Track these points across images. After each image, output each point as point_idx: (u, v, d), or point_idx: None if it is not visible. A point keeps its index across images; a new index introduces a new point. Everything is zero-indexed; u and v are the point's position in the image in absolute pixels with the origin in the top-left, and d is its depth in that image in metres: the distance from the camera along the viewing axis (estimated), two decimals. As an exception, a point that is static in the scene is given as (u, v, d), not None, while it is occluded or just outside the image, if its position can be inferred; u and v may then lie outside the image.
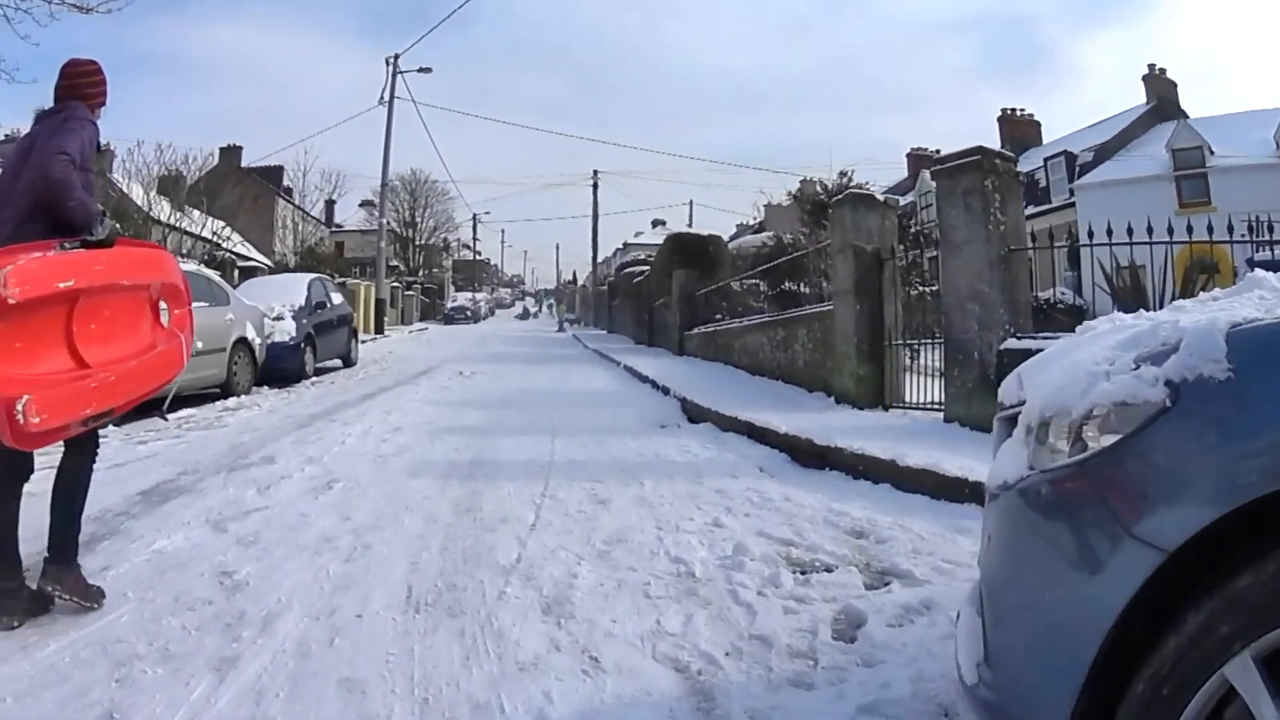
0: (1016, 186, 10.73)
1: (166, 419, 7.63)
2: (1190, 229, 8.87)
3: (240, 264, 40.28)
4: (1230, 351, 2.27)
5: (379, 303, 47.31)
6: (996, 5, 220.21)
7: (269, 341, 19.15)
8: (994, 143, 24.32)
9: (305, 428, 12.29)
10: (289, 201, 69.87)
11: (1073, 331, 10.19)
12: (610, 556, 6.04)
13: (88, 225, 5.14)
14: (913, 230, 22.14)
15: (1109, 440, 2.54)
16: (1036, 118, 56.00)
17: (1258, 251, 13.04)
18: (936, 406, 11.05)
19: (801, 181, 45.45)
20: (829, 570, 5.74)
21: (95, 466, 5.46)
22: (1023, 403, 3.18)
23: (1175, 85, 48.08)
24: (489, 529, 6.77)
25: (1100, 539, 2.47)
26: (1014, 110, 55.56)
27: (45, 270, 4.84)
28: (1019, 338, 9.73)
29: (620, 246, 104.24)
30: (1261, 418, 2.13)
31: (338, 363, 24.55)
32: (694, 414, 13.37)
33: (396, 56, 47.58)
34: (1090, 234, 9.32)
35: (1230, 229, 8.77)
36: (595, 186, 75.55)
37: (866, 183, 28.08)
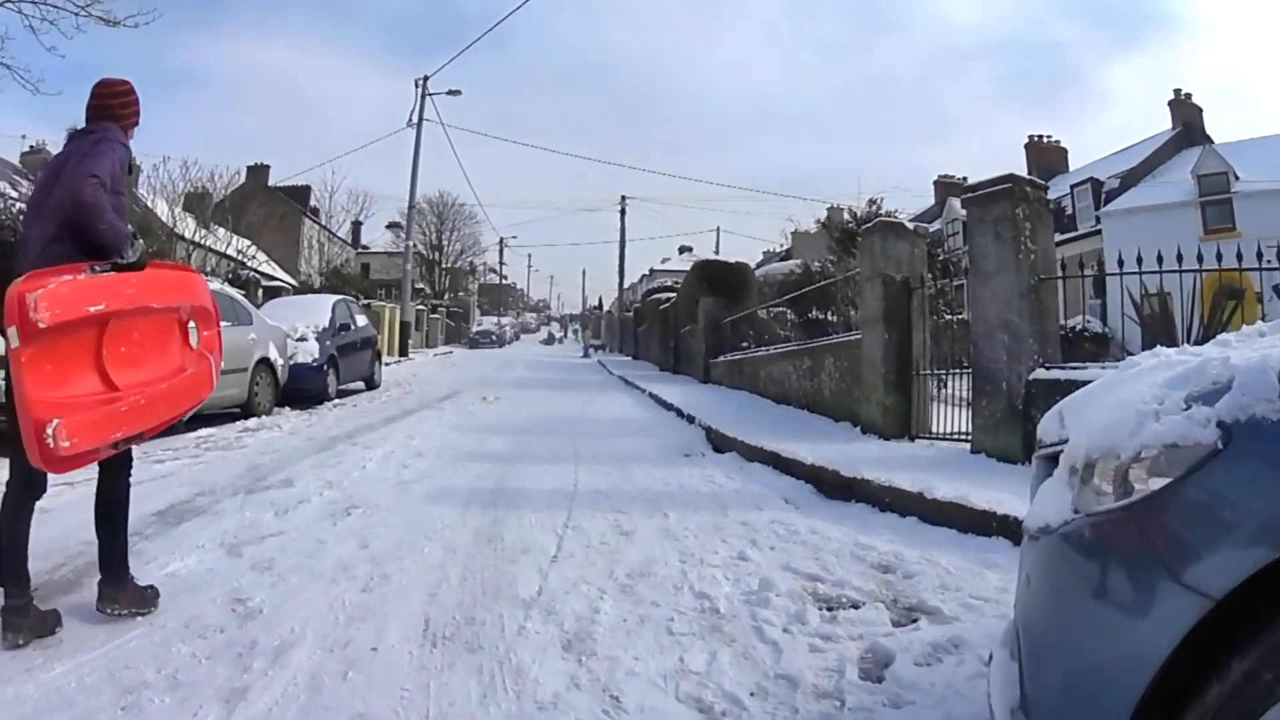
0: (1047, 215, 10.59)
1: (184, 420, 7.62)
2: (1219, 256, 8.76)
3: (265, 283, 40.15)
4: (1284, 391, 2.19)
5: (404, 325, 47.29)
6: (1023, 31, 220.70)
7: (292, 362, 19.14)
8: (1020, 169, 24.37)
9: (326, 450, 12.21)
10: (315, 221, 70.03)
11: (1098, 360, 10.08)
12: (633, 590, 5.91)
13: (118, 248, 5.16)
14: (940, 259, 22.01)
15: (1158, 483, 2.45)
16: (1063, 144, 55.85)
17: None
18: (963, 437, 10.92)
19: (829, 209, 45.36)
20: (856, 606, 5.61)
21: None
22: (1064, 441, 3.10)
23: (1200, 110, 47.78)
24: (510, 560, 6.65)
25: (1146, 586, 2.38)
26: (1041, 137, 55.48)
27: (75, 294, 4.85)
28: (1048, 368, 9.62)
29: (646, 273, 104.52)
30: (1316, 460, 2.04)
31: (361, 385, 24.52)
32: (719, 443, 13.23)
33: (426, 78, 47.92)
34: (1120, 262, 9.19)
35: (1259, 255, 8.62)
36: (623, 212, 75.47)
37: (895, 210, 28.01)
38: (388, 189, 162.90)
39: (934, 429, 11.83)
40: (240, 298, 18.65)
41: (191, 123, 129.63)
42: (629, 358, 53.59)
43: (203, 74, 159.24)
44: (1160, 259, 8.95)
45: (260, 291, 35.43)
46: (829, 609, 5.55)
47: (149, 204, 33.59)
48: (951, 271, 17.17)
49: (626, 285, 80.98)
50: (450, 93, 48.73)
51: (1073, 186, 46.00)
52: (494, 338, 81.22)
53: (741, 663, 4.67)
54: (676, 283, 46.69)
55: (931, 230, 29.74)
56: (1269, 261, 8.91)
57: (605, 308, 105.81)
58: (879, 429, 12.14)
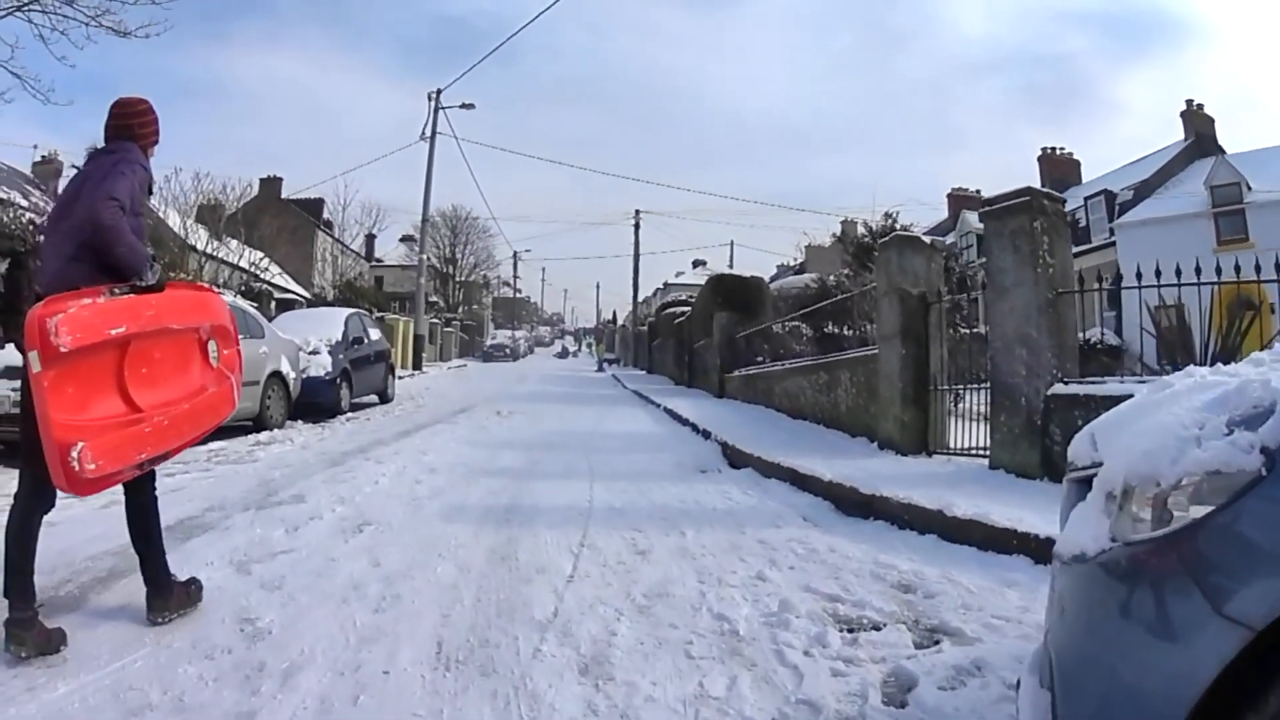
0: (1064, 228, 10.55)
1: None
2: (1238, 269, 8.68)
3: (278, 296, 40.28)
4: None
5: (417, 338, 47.42)
6: (1034, 44, 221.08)
7: (304, 375, 19.12)
8: (1034, 182, 24.24)
9: (338, 465, 12.13)
10: (328, 234, 70.19)
11: (1114, 373, 9.98)
12: (651, 612, 5.80)
13: (137, 270, 5.19)
14: (956, 273, 21.91)
15: (1199, 512, 2.41)
16: (1076, 156, 55.74)
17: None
18: (981, 452, 10.84)
19: (843, 222, 45.28)
20: (877, 628, 5.50)
21: (120, 501, 5.45)
22: (1097, 465, 3.04)
23: (1213, 120, 47.69)
24: (525, 579, 6.54)
25: (1185, 617, 2.32)
26: (1054, 149, 55.38)
27: (96, 317, 4.88)
28: (1066, 382, 9.56)
29: (660, 286, 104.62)
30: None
31: (374, 399, 24.50)
32: (735, 459, 13.14)
33: (439, 92, 47.94)
34: (1139, 275, 9.10)
35: (1278, 266, 8.55)
36: (637, 226, 75.75)
37: (911, 224, 27.93)
38: (401, 202, 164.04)
39: (951, 444, 11.74)
40: (252, 310, 18.66)
41: (204, 135, 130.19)
42: (643, 371, 53.67)
43: (216, 86, 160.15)
44: (1179, 272, 8.91)
45: (273, 304, 35.53)
46: (850, 631, 5.44)
47: (161, 215, 33.65)
48: (969, 285, 17.06)
49: (640, 299, 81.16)
50: (463, 106, 48.83)
51: (1086, 198, 45.83)
52: (508, 351, 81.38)
53: (762, 687, 4.56)
54: (691, 296, 46.76)
55: (946, 243, 29.64)
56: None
57: (619, 321, 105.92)
58: (896, 444, 12.06)
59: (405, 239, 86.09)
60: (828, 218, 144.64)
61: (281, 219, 52.08)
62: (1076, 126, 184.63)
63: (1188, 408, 2.76)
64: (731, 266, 68.62)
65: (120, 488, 5.47)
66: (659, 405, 24.47)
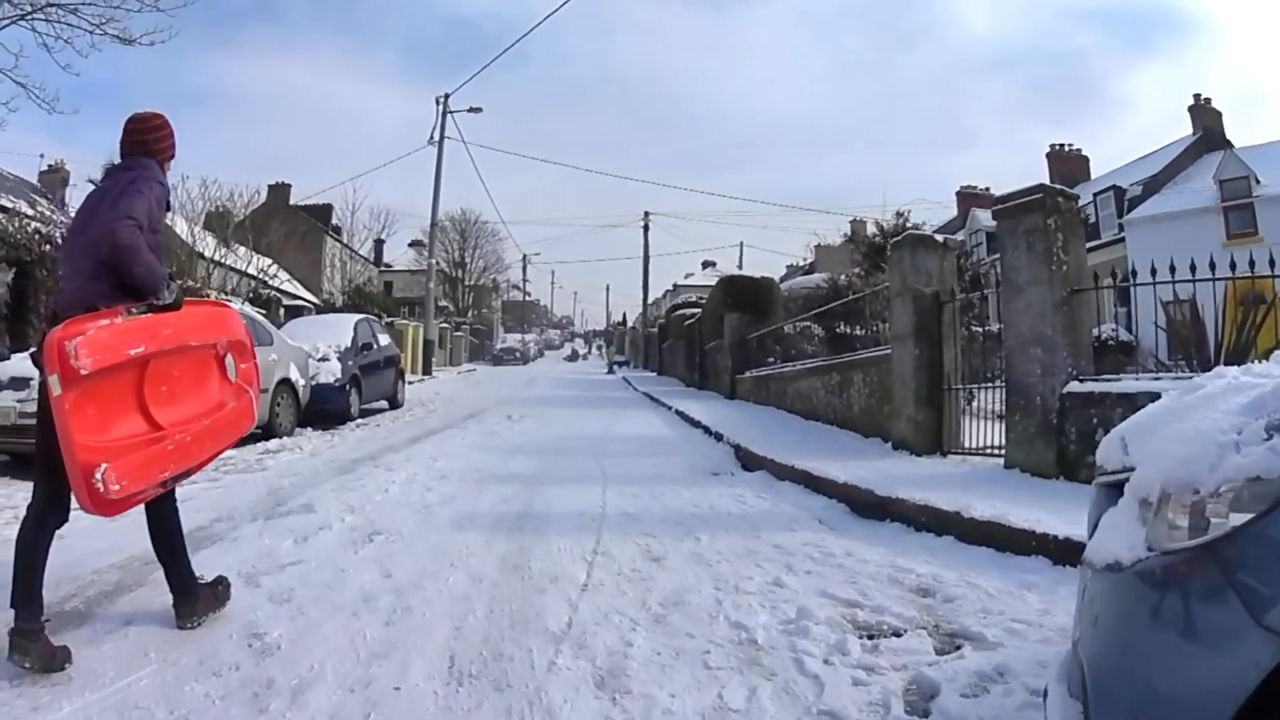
0: (1078, 225, 10.55)
1: None
2: (1252, 263, 8.71)
3: (287, 302, 40.26)
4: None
5: (427, 343, 47.48)
6: (1041, 40, 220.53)
7: (313, 382, 19.04)
8: (1043, 179, 23.90)
9: (348, 473, 12.04)
10: (337, 240, 70.31)
11: (1125, 369, 9.91)
12: (667, 621, 5.70)
13: (154, 289, 5.20)
14: (969, 272, 21.85)
15: (1239, 519, 2.35)
16: (1084, 152, 55.61)
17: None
18: (995, 452, 10.85)
19: (852, 222, 45.30)
20: (897, 635, 5.43)
21: (126, 513, 5.31)
22: (1128, 469, 2.98)
23: (1220, 115, 47.65)
24: (538, 589, 6.43)
25: (1225, 628, 2.26)
26: (1062, 146, 55.18)
27: (115, 339, 4.90)
28: (1081, 380, 9.52)
29: (670, 288, 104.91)
30: None
31: (384, 404, 24.45)
32: (748, 461, 13.10)
33: (447, 96, 47.85)
34: (1153, 271, 9.12)
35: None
36: (646, 228, 75.75)
37: (923, 223, 27.89)
38: (410, 207, 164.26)
39: (966, 444, 11.73)
40: (260, 317, 18.63)
41: (211, 141, 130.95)
42: (654, 374, 53.82)
43: (224, 93, 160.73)
44: (1194, 268, 8.87)
45: (282, 311, 35.51)
46: (870, 638, 5.37)
47: (169, 222, 33.64)
48: (981, 284, 16.98)
49: (650, 301, 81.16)
50: (471, 110, 48.72)
51: (1095, 195, 45.66)
52: (518, 355, 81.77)
53: (782, 698, 4.48)
54: (701, 298, 46.80)
55: (958, 241, 29.68)
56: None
57: (629, 324, 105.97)
58: (910, 445, 12.05)
59: (414, 244, 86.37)
60: (837, 218, 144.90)
61: (290, 225, 52.17)
62: (1084, 123, 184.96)
63: (1224, 411, 2.70)
64: (741, 267, 68.82)
65: (134, 512, 5.41)
66: (670, 407, 24.44)
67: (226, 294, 29.67)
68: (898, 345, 12.80)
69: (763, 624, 5.59)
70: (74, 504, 4.91)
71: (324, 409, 19.31)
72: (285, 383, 17.26)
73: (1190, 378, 8.81)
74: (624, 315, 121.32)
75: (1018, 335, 10.16)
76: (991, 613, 5.76)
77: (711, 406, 23.04)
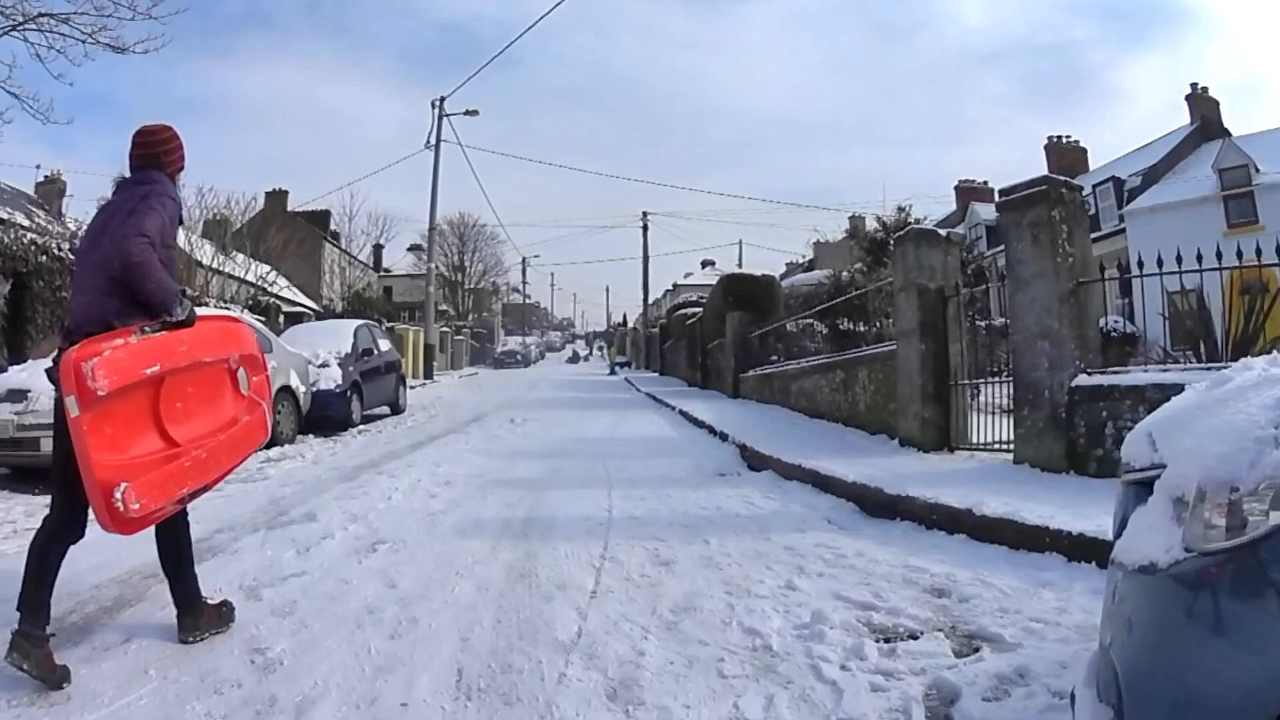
0: (1083, 216, 10.49)
1: None
2: (1259, 251, 8.75)
3: (286, 309, 40.19)
4: None
5: (428, 348, 47.50)
6: (1036, 33, 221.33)
7: (314, 389, 18.95)
8: (1041, 171, 23.91)
9: (350, 481, 11.95)
10: (336, 246, 70.42)
11: (1128, 360, 9.92)
12: (679, 628, 5.59)
13: (167, 307, 5.22)
14: (972, 266, 21.78)
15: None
16: (1082, 144, 55.78)
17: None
18: (1003, 447, 10.79)
19: (851, 218, 45.27)
20: (914, 637, 5.35)
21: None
22: (1157, 466, 2.89)
23: (1218, 104, 48.02)
24: (546, 597, 6.32)
25: (1267, 630, 2.21)
26: (1060, 138, 55.41)
27: (130, 359, 4.94)
28: (1089, 373, 9.48)
29: (670, 288, 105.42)
30: None
31: (385, 410, 24.39)
32: (754, 461, 13.01)
33: (442, 99, 47.86)
34: (1159, 262, 9.10)
35: (1286, 247, 8.50)
36: (645, 228, 75.80)
37: (924, 217, 27.83)
38: (408, 211, 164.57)
39: (973, 440, 11.65)
40: (259, 325, 18.50)
41: (208, 149, 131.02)
42: (656, 374, 53.87)
43: (218, 100, 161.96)
44: (1200, 257, 8.85)
45: (281, 317, 35.43)
46: (886, 641, 5.29)
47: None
48: (986, 277, 16.90)
49: (650, 301, 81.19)
50: (467, 113, 48.61)
51: (1095, 186, 45.67)
52: (519, 358, 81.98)
53: (800, 707, 4.39)
54: (701, 297, 46.84)
55: (960, 235, 29.68)
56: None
57: (630, 324, 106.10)
58: (917, 442, 11.97)
59: (413, 248, 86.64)
60: (836, 214, 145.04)
61: (288, 231, 52.04)
62: (1081, 115, 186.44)
63: (1259, 405, 2.63)
64: (740, 265, 68.88)
65: None
66: (674, 408, 24.35)
67: (226, 302, 29.62)
68: (903, 341, 12.72)
69: (777, 629, 5.50)
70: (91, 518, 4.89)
71: (325, 416, 19.24)
72: (286, 390, 17.16)
73: (1204, 369, 8.81)
74: (624, 316, 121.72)
75: (1024, 329, 10.09)
76: (1008, 612, 5.68)
77: (715, 406, 22.97)
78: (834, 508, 9.34)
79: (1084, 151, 55.10)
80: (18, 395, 11.68)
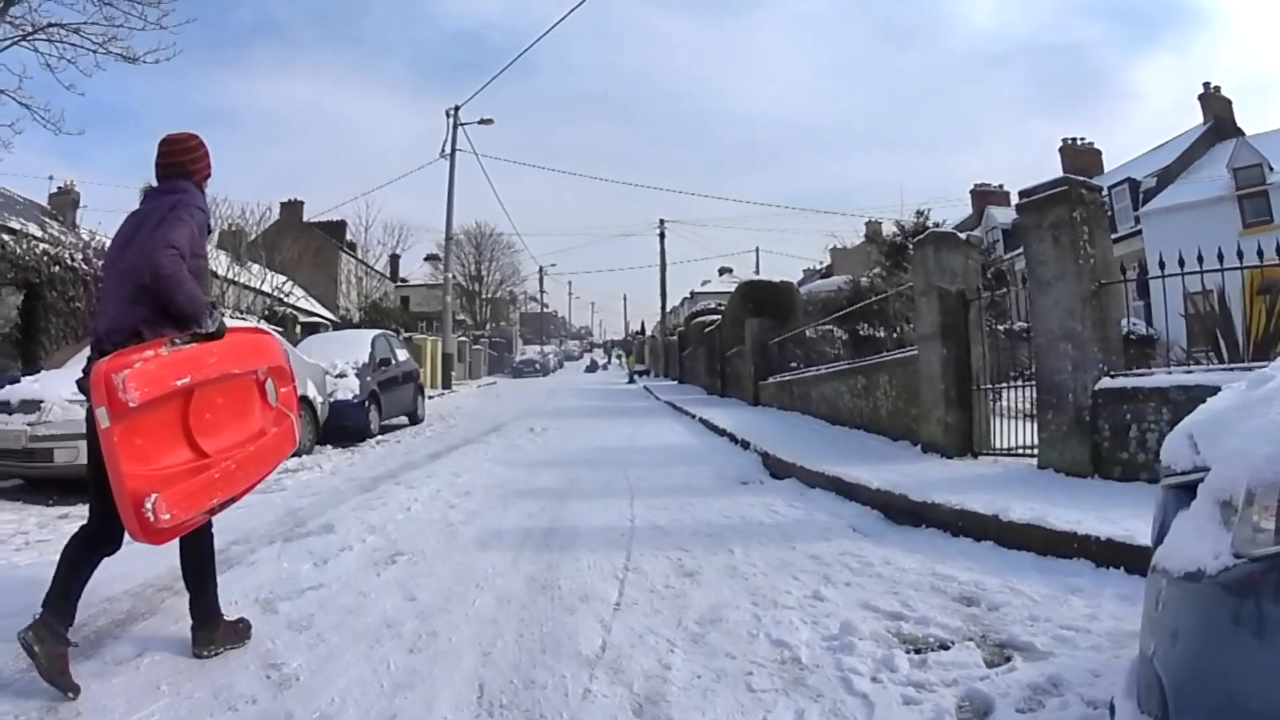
0: (1103, 217, 10.41)
1: None
2: (1279, 250, 8.61)
3: (303, 319, 40.20)
4: None
5: (446, 357, 47.45)
6: (1045, 34, 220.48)
7: (332, 399, 18.89)
8: (1056, 173, 23.83)
9: (368, 491, 11.88)
10: (352, 256, 70.64)
11: (1146, 362, 9.88)
12: (705, 641, 5.48)
13: (196, 318, 5.21)
14: (991, 269, 21.70)
15: None
16: (1096, 146, 55.73)
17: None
18: (1027, 452, 10.70)
19: (867, 223, 45.21)
20: (945, 647, 5.24)
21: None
22: (1199, 469, 2.80)
23: (1230, 103, 47.92)
24: (569, 609, 6.21)
25: None
26: (1075, 140, 55.43)
27: (161, 370, 4.95)
28: (1113, 376, 9.40)
29: (688, 296, 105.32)
30: None
31: (404, 420, 24.36)
32: (776, 469, 12.89)
33: (457, 108, 47.87)
34: (1181, 262, 9.05)
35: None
36: (662, 235, 75.84)
37: (943, 221, 27.74)
38: (424, 220, 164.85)
39: (996, 445, 11.59)
40: (275, 336, 18.44)
41: (221, 160, 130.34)
42: (674, 382, 53.80)
43: (231, 111, 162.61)
44: (1221, 256, 8.78)
45: (298, 328, 35.43)
46: (917, 651, 5.18)
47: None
48: (1007, 280, 16.83)
49: (668, 309, 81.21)
50: (482, 122, 48.66)
51: (1110, 188, 45.58)
52: (538, 367, 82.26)
53: (831, 721, 4.25)
54: (720, 304, 46.81)
55: (980, 239, 29.66)
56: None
57: (648, 332, 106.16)
58: (940, 447, 11.88)
59: (430, 258, 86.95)
60: (853, 219, 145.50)
61: (303, 242, 52.20)
62: (1094, 116, 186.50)
63: None
64: (758, 272, 68.90)
65: None
66: (694, 416, 24.27)
67: (242, 312, 29.63)
68: (924, 345, 12.64)
69: (805, 641, 5.40)
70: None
71: (343, 426, 19.18)
72: (303, 400, 16.92)
73: (1226, 369, 8.71)
74: (642, 324, 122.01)
75: (1047, 331, 10.00)
76: (1038, 620, 5.60)
77: (735, 413, 22.91)
78: (858, 515, 9.26)
79: (1099, 153, 55.09)
80: (30, 406, 11.67)
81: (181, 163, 5.54)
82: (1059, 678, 4.58)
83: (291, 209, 61.81)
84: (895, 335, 20.10)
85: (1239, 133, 43.46)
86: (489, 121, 48.72)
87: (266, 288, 38.69)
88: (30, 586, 5.24)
